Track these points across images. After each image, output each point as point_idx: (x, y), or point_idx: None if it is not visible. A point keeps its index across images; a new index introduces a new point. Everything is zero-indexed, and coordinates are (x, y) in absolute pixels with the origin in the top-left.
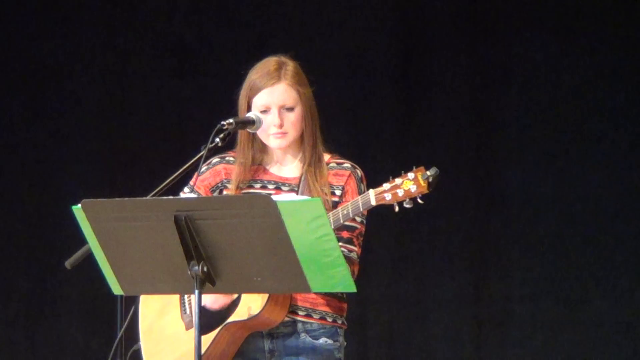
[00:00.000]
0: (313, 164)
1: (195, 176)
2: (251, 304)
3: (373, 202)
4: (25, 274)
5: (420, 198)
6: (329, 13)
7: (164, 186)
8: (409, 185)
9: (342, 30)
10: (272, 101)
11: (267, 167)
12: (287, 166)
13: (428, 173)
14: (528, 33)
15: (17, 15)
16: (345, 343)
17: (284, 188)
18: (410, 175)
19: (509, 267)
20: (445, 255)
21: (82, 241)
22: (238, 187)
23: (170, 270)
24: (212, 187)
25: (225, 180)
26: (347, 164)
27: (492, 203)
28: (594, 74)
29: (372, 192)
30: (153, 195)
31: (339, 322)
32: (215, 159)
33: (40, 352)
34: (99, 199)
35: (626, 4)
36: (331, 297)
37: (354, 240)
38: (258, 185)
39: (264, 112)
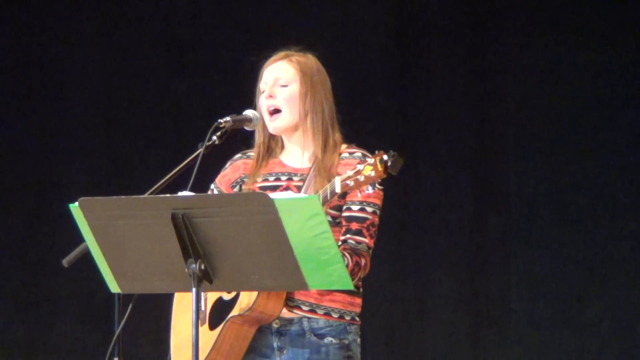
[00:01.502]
0: (323, 153)
1: (220, 173)
2: (247, 298)
3: (338, 190)
4: (22, 272)
5: (379, 183)
6: (327, 12)
7: (161, 184)
8: (368, 170)
9: (340, 28)
10: (269, 78)
11: (283, 159)
12: (299, 156)
13: (385, 157)
14: (526, 31)
15: (14, 13)
16: (358, 339)
17: (295, 178)
18: (370, 160)
19: (507, 265)
20: (444, 253)
21: (80, 239)
22: (254, 181)
23: (167, 268)
24: (232, 182)
25: (244, 176)
26: (358, 153)
27: (490, 201)
28: (593, 73)
29: (337, 180)
30: (150, 193)
31: (348, 318)
32: (237, 155)
33: (38, 351)
34: (96, 197)
35: (626, 4)
36: (340, 292)
37: (364, 231)
38: (272, 178)
39: (264, 92)
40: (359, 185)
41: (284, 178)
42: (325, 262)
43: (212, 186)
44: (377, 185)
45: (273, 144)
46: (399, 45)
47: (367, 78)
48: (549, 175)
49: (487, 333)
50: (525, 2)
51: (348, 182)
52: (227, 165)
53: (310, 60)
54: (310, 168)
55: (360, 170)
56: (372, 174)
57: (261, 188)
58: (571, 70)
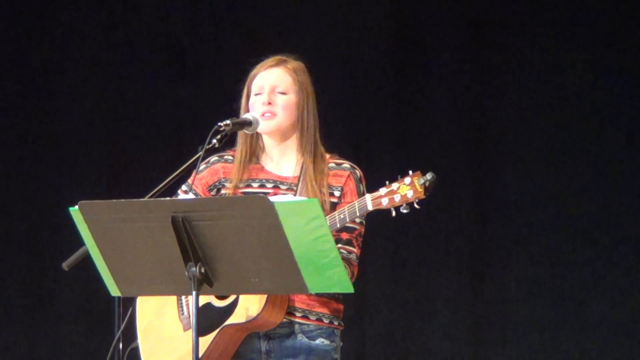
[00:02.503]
0: (312, 164)
1: (193, 175)
2: (249, 307)
3: (370, 207)
4: (23, 275)
5: (417, 203)
6: (327, 14)
7: (161, 187)
8: (405, 190)
9: (340, 30)
10: (266, 82)
11: (265, 166)
12: (285, 165)
13: (425, 178)
14: (526, 33)
15: (15, 16)
16: (341, 344)
17: (282, 187)
18: (407, 180)
19: (506, 267)
20: (443, 255)
21: (80, 242)
22: (236, 187)
23: (167, 272)
24: (210, 185)
25: (223, 179)
26: (346, 164)
27: (489, 203)
28: (592, 74)
29: (368, 197)
30: (150, 197)
31: (336, 323)
32: (213, 158)
33: (38, 354)
34: (96, 201)
35: (625, 4)
36: (328, 299)
37: (354, 241)
38: (256, 184)
39: (258, 94)
40: (393, 204)
41: (269, 185)
42: (325, 265)
43: (184, 188)
44: (415, 205)
45: (256, 149)
46: (398, 47)
47: (366, 79)
48: (549, 177)
49: (488, 335)
50: (525, 3)
51: (382, 200)
52: (201, 167)
53: (303, 69)
54: (299, 177)
55: (395, 189)
56: (410, 194)
57: (245, 194)
58: (571, 73)
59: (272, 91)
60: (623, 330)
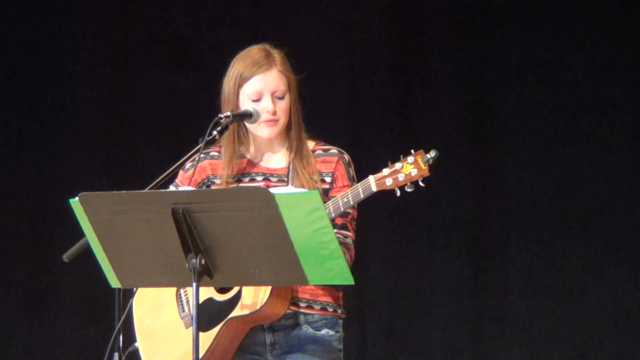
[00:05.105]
0: (300, 153)
1: (180, 173)
2: (253, 298)
3: (374, 188)
4: (23, 267)
5: (422, 181)
6: (327, 5)
7: (162, 179)
8: (409, 169)
9: (340, 21)
10: (265, 87)
11: (253, 160)
12: (273, 157)
13: (428, 156)
14: (525, 26)
15: (13, 9)
16: (343, 334)
17: (272, 179)
18: (410, 159)
19: (507, 260)
20: (444, 248)
21: (80, 234)
22: (226, 182)
23: (168, 263)
24: (199, 183)
25: (211, 176)
26: (334, 150)
27: (490, 196)
28: (592, 67)
29: (372, 178)
30: (150, 188)
31: (339, 311)
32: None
33: (38, 345)
34: (96, 192)
35: (623, 1)
36: (329, 287)
37: (348, 225)
38: (246, 179)
39: (256, 100)
40: (397, 184)
41: (259, 179)
42: (325, 257)
43: (171, 188)
44: (420, 183)
45: (250, 147)
46: (398, 43)
47: (367, 76)
48: (549, 170)
49: (488, 328)
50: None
51: (386, 180)
52: (187, 166)
53: (287, 61)
54: (288, 167)
55: (399, 169)
56: (414, 172)
57: None
58: (570, 67)
59: (272, 97)
60: (623, 322)
